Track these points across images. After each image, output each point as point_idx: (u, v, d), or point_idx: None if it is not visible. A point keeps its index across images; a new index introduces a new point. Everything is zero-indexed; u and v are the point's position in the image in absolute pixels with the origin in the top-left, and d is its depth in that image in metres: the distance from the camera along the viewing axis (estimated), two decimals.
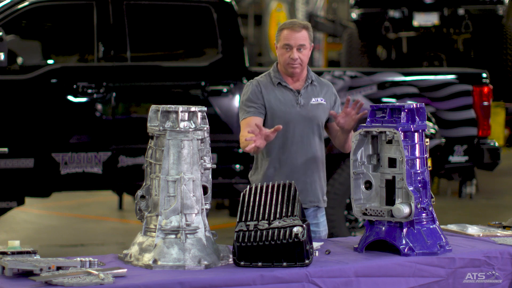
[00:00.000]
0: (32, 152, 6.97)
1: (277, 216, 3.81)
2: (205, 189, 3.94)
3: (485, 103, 7.86)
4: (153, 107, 3.94)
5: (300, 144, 4.69)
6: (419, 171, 4.09)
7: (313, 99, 4.72)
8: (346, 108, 4.54)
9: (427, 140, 4.19)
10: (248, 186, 3.98)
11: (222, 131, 7.28)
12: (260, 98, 4.67)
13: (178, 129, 3.84)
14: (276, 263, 3.71)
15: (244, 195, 3.92)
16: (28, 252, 3.71)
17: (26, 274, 3.46)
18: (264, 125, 4.63)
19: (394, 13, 12.68)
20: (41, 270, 3.45)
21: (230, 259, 3.85)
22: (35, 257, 3.67)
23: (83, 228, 10.16)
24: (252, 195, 3.91)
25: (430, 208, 4.13)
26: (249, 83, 4.75)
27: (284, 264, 3.71)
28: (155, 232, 3.80)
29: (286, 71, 4.69)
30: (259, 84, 4.71)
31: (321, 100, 4.74)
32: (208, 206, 3.96)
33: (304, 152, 4.70)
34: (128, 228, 9.94)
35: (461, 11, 12.54)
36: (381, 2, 12.84)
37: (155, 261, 3.73)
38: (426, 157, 4.14)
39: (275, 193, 3.92)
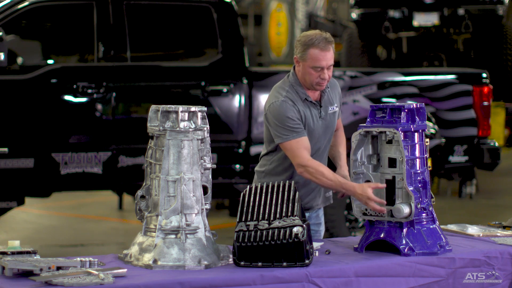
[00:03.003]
0: (32, 152, 6.96)
1: (277, 216, 3.81)
2: (205, 189, 3.94)
3: (485, 103, 7.86)
4: (153, 107, 3.94)
5: (320, 156, 4.56)
6: (419, 171, 4.09)
7: (330, 108, 4.55)
8: None
9: (427, 140, 4.19)
10: (248, 186, 3.98)
11: (222, 131, 7.28)
12: (299, 117, 4.40)
13: (178, 129, 3.84)
14: (276, 263, 3.71)
15: (244, 195, 3.92)
16: (28, 252, 3.71)
17: (26, 274, 3.46)
18: None
19: (394, 13, 12.68)
20: (41, 270, 3.46)
21: (230, 259, 3.85)
22: (35, 257, 3.67)
23: (83, 228, 10.16)
24: (252, 195, 3.91)
25: (430, 208, 4.13)
26: (283, 102, 4.39)
27: (284, 264, 3.71)
28: (155, 232, 3.80)
29: (312, 87, 4.44)
30: (293, 102, 4.41)
31: (335, 107, 4.58)
32: (208, 206, 3.96)
33: (324, 161, 4.60)
34: (128, 228, 9.93)
35: (461, 11, 12.54)
36: (381, 2, 12.84)
37: (155, 261, 3.73)
38: (426, 157, 4.14)
39: (275, 193, 3.92)
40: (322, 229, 4.81)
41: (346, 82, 7.59)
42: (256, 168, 4.67)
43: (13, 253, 3.68)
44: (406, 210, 4.00)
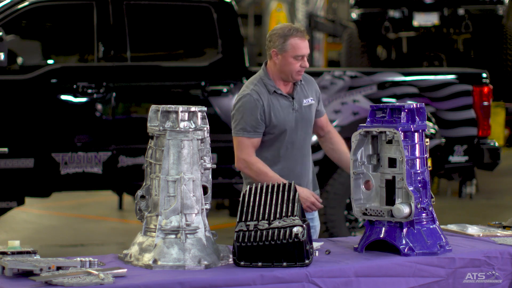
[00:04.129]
0: (32, 152, 6.97)
1: (277, 216, 3.81)
2: (205, 189, 3.94)
3: (485, 103, 7.86)
4: (153, 107, 3.94)
5: (298, 149, 4.68)
6: (419, 171, 4.09)
7: (304, 101, 4.68)
8: None
9: (427, 140, 4.19)
10: (248, 186, 3.98)
11: (222, 131, 7.27)
12: (262, 114, 4.56)
13: (178, 129, 3.84)
14: (276, 263, 3.71)
15: (244, 195, 3.92)
16: (28, 252, 3.71)
17: (26, 274, 3.46)
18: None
19: (394, 13, 12.67)
20: (41, 270, 3.45)
21: (230, 259, 3.85)
22: (35, 257, 3.67)
23: (83, 228, 10.16)
24: (252, 195, 3.91)
25: (430, 208, 4.13)
26: (249, 96, 4.57)
27: (284, 264, 3.71)
28: (155, 232, 3.80)
29: (289, 79, 4.59)
30: (259, 97, 4.57)
31: (311, 100, 4.70)
32: (208, 206, 3.96)
33: (302, 155, 4.71)
34: (128, 228, 9.94)
35: (461, 11, 12.53)
36: (381, 2, 12.83)
37: (155, 261, 3.73)
38: (426, 157, 4.14)
39: (275, 193, 3.92)
40: (317, 224, 4.84)
41: (346, 82, 7.59)
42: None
43: (13, 253, 3.68)
44: (406, 210, 4.00)
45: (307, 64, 4.56)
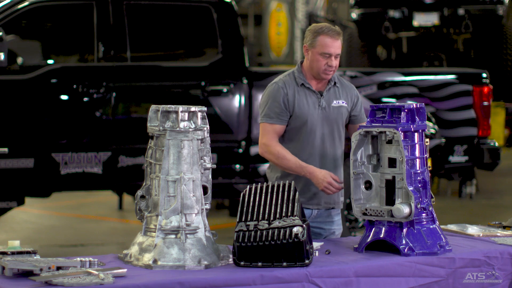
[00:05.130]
0: (32, 152, 6.97)
1: (277, 216, 3.81)
2: (205, 189, 3.94)
3: (485, 103, 7.86)
4: (153, 107, 3.94)
5: (320, 147, 4.69)
6: (419, 171, 4.09)
7: (335, 101, 4.71)
8: None
9: (427, 140, 4.19)
10: (248, 186, 3.98)
11: (222, 131, 7.28)
12: (285, 102, 4.63)
13: (178, 129, 3.84)
14: (276, 263, 3.71)
15: (244, 195, 3.92)
16: (28, 252, 3.71)
17: (26, 274, 3.46)
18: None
19: (394, 13, 12.68)
20: (41, 270, 3.45)
21: (230, 259, 3.85)
22: (35, 257, 3.67)
23: (83, 228, 10.16)
24: (252, 195, 3.91)
25: (430, 208, 4.13)
26: (275, 84, 4.69)
27: (284, 264, 3.71)
28: (155, 232, 3.80)
29: (318, 76, 4.64)
30: (285, 86, 4.66)
31: (342, 102, 4.73)
32: (208, 206, 3.96)
33: (324, 154, 4.70)
34: (128, 228, 9.93)
35: (461, 11, 12.54)
36: (381, 2, 12.84)
37: (155, 261, 3.73)
38: (426, 157, 4.14)
39: (275, 193, 3.92)
40: (336, 228, 4.82)
41: None
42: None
43: (13, 253, 3.68)
44: (406, 210, 4.00)
45: (334, 63, 4.58)
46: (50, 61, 7.25)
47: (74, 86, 7.06)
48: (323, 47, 4.57)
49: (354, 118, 4.80)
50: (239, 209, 3.86)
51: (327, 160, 4.71)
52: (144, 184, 3.95)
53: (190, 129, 3.87)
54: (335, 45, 4.58)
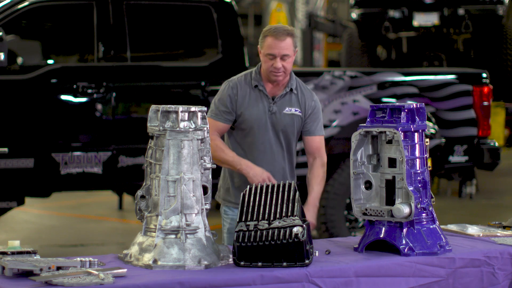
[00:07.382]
0: (32, 152, 6.96)
1: (277, 216, 3.81)
2: (205, 189, 3.94)
3: (485, 103, 7.86)
4: (153, 107, 3.94)
5: (263, 153, 4.66)
6: (419, 171, 4.09)
7: (287, 109, 4.65)
8: None
9: (427, 140, 4.19)
10: (248, 186, 3.99)
11: None
12: (233, 103, 4.63)
13: (178, 129, 3.85)
14: (276, 263, 3.71)
15: (244, 195, 3.92)
16: (28, 252, 3.71)
17: (26, 274, 3.46)
18: (233, 125, 4.67)
19: (394, 13, 12.67)
20: (41, 270, 3.45)
21: (230, 259, 3.85)
22: (35, 257, 3.67)
23: (83, 228, 10.16)
24: (252, 195, 3.91)
25: (430, 208, 4.13)
26: (228, 83, 4.70)
27: (284, 264, 3.71)
28: (155, 232, 3.80)
29: (269, 78, 4.61)
30: (236, 86, 4.65)
31: (295, 110, 4.66)
32: (208, 206, 3.96)
33: (267, 161, 4.66)
34: (128, 228, 9.93)
35: (461, 11, 12.53)
36: (381, 2, 12.83)
37: (155, 261, 3.73)
38: (426, 157, 4.14)
39: (275, 193, 3.93)
40: None
41: (346, 82, 7.59)
42: None
43: (13, 253, 3.68)
44: (406, 210, 4.00)
45: (279, 65, 4.51)
46: (50, 61, 7.25)
47: (74, 86, 7.06)
48: (268, 48, 4.52)
49: (305, 130, 4.72)
50: (239, 209, 3.86)
51: (275, 168, 4.65)
52: (144, 184, 3.95)
53: (190, 129, 3.87)
54: (280, 46, 4.50)
